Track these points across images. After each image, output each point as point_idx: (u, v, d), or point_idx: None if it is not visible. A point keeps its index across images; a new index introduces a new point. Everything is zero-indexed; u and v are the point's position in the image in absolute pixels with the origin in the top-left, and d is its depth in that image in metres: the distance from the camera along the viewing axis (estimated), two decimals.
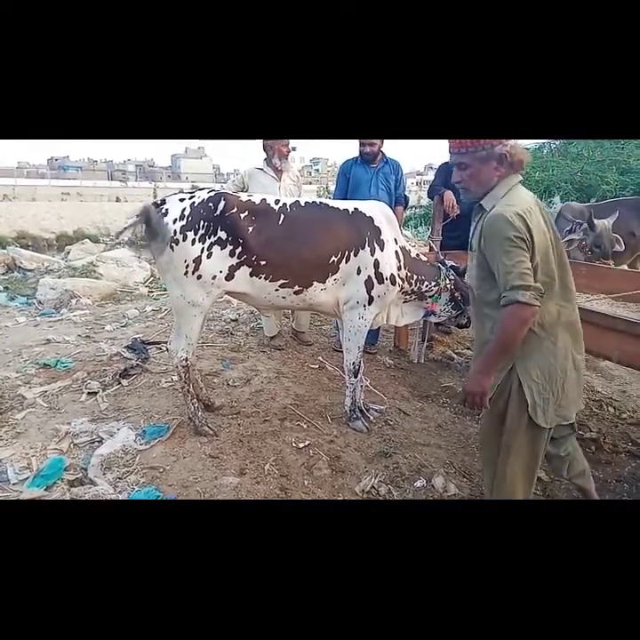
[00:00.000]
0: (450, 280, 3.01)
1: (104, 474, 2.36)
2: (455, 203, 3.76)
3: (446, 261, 3.17)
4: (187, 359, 2.67)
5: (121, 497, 2.20)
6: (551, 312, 1.68)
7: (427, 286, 2.97)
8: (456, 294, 3.03)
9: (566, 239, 4.64)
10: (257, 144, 3.90)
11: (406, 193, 4.24)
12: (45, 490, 2.24)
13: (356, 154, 3.95)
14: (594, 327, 2.67)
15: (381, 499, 2.32)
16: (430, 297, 3.03)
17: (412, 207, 12.08)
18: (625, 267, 4.26)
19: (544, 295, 1.59)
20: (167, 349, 2.83)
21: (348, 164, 4.01)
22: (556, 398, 1.71)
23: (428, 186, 4.58)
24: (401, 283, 2.87)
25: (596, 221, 4.31)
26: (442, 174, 4.26)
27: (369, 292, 2.73)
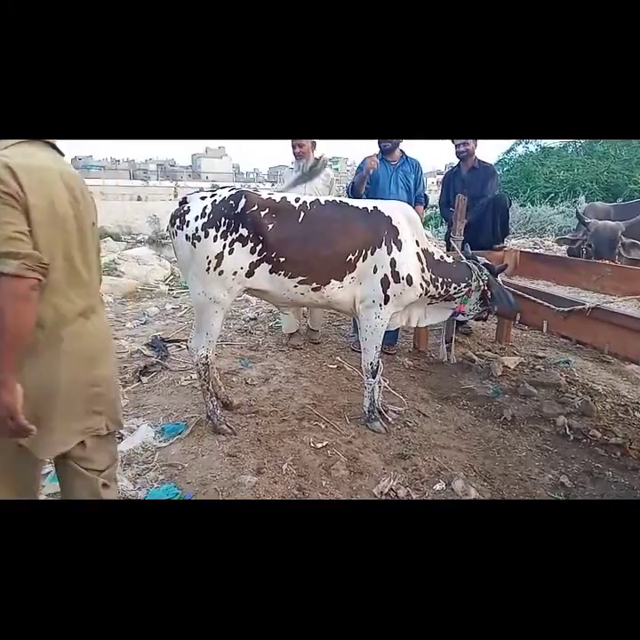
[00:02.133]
0: (483, 280, 2.96)
1: (124, 470, 2.37)
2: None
3: (479, 259, 3.12)
4: (207, 357, 2.68)
5: (140, 493, 2.21)
6: (58, 306, 1.32)
7: (455, 288, 2.93)
8: (487, 294, 2.98)
9: (559, 237, 4.58)
10: (278, 144, 3.94)
11: (426, 192, 4.24)
12: None
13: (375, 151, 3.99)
14: (620, 330, 2.61)
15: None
16: (459, 298, 2.99)
17: (432, 206, 12.00)
18: None
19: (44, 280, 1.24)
20: (187, 347, 2.85)
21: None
22: (51, 421, 1.32)
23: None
24: (426, 286, 2.82)
25: (591, 221, 4.22)
26: (444, 188, 4.48)
27: (385, 291, 2.70)
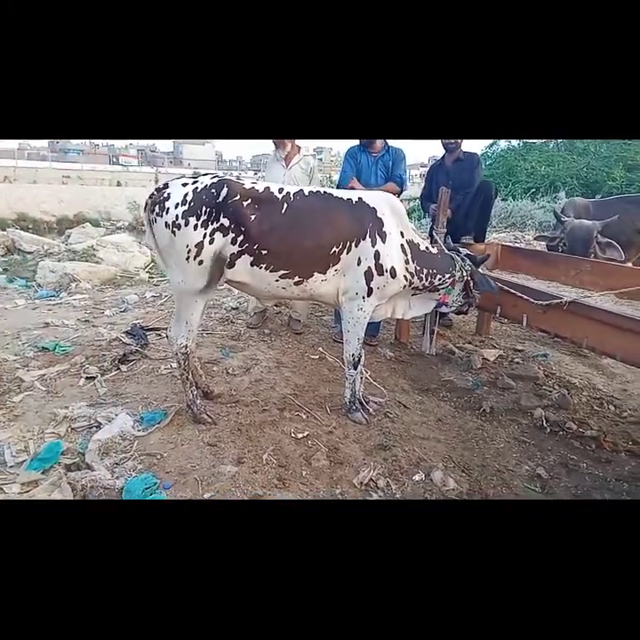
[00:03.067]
0: (466, 271, 3.00)
1: (101, 459, 2.34)
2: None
3: (461, 250, 3.15)
4: (186, 346, 2.65)
5: (118, 482, 2.18)
6: None
7: (439, 279, 2.95)
8: (470, 285, 3.01)
9: (538, 235, 4.66)
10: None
11: (406, 179, 4.22)
12: (42, 473, 2.23)
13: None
14: (598, 324, 2.66)
15: (381, 494, 2.31)
16: (443, 289, 3.01)
17: (415, 199, 12.01)
18: (630, 264, 4.22)
19: None
20: (167, 336, 2.81)
21: (354, 150, 4.07)
22: None
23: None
24: (410, 277, 2.83)
25: (567, 220, 4.29)
26: (428, 181, 4.48)
27: (368, 284, 2.69)
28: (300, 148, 4.07)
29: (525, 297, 3.00)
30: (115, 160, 36.05)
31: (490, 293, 3.10)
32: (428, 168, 4.89)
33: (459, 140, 4.16)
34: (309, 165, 4.08)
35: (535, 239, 5.54)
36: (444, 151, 4.33)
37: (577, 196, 8.61)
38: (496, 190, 4.34)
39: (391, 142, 4.06)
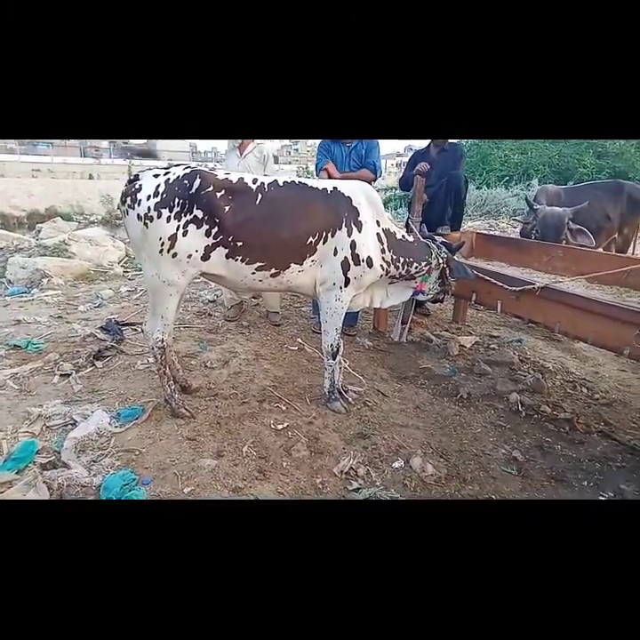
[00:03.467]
0: (442, 258, 3.03)
1: (78, 457, 2.31)
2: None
3: (437, 238, 3.18)
4: (163, 340, 2.62)
5: (96, 480, 2.15)
6: None
7: (416, 267, 2.97)
8: (446, 272, 3.04)
9: (513, 218, 4.74)
10: None
11: (379, 166, 4.21)
12: (17, 473, 2.18)
13: None
14: (569, 309, 2.72)
15: (361, 482, 2.33)
16: (419, 277, 3.03)
17: (391, 188, 12.03)
18: (600, 250, 4.32)
19: None
20: (142, 330, 2.77)
21: (327, 142, 4.04)
22: None
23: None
24: (386, 266, 2.84)
25: (539, 207, 4.37)
26: (410, 167, 4.38)
27: (345, 274, 2.69)
28: None
29: (499, 283, 3.04)
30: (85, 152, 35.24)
31: (466, 280, 3.13)
32: (405, 157, 4.86)
33: None
34: (263, 153, 4.07)
35: (510, 224, 5.63)
36: (429, 141, 4.34)
37: (549, 183, 8.74)
38: (466, 181, 4.35)
39: None
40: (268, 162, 4.12)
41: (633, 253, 5.02)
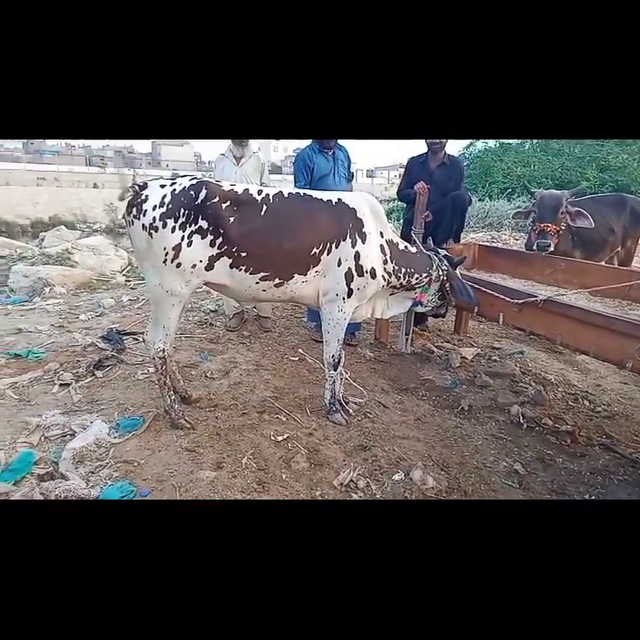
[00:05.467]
0: (442, 271, 3.02)
1: (76, 468, 2.29)
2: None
3: (440, 250, 3.18)
4: (164, 350, 2.61)
5: (94, 492, 2.14)
6: None
7: (417, 278, 2.98)
8: (446, 285, 3.04)
9: (516, 211, 4.68)
10: None
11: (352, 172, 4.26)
12: (14, 484, 2.17)
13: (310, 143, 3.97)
14: (572, 322, 2.70)
15: (361, 494, 2.31)
16: (419, 287, 3.03)
17: (394, 199, 12.07)
18: (603, 263, 4.31)
19: None
20: (144, 340, 2.77)
21: (307, 153, 3.90)
22: None
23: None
24: (388, 277, 2.85)
25: (537, 190, 4.33)
26: (408, 177, 4.29)
27: (348, 285, 2.70)
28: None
29: (502, 296, 3.03)
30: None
31: (469, 304, 3.13)
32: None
33: (442, 141, 4.04)
34: (260, 161, 4.13)
35: (512, 217, 5.59)
36: (426, 149, 4.17)
37: None
38: (470, 199, 4.31)
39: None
40: (264, 170, 4.18)
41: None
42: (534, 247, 3.88)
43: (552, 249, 3.82)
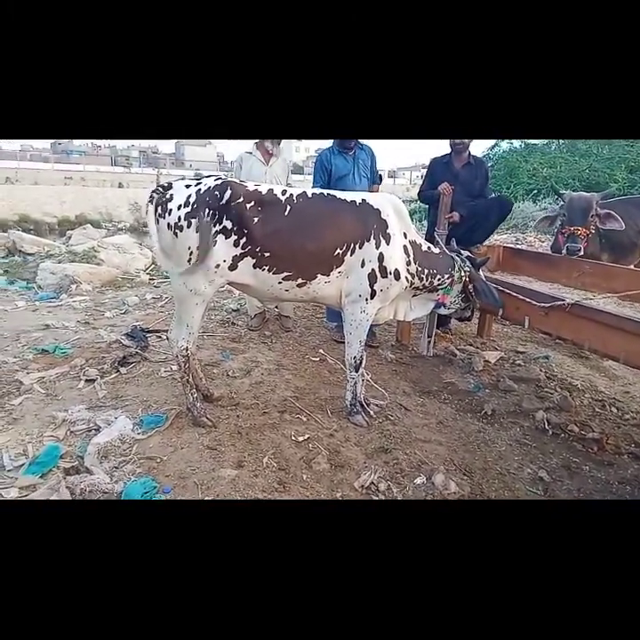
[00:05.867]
0: (465, 272, 2.99)
1: (100, 463, 2.33)
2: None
3: (463, 251, 3.14)
4: (187, 348, 2.63)
5: (117, 487, 2.17)
6: None
7: (439, 279, 2.95)
8: (469, 287, 3.00)
9: (542, 216, 4.56)
10: None
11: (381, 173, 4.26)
12: (41, 477, 2.21)
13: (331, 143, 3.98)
14: (601, 327, 2.64)
15: (382, 497, 2.29)
16: (442, 289, 3.00)
17: (414, 200, 11.98)
18: (632, 266, 4.20)
19: None
20: (167, 338, 2.79)
21: (326, 154, 3.91)
22: None
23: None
24: (411, 278, 2.83)
25: (565, 192, 4.24)
26: (430, 177, 4.20)
27: (372, 286, 2.68)
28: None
29: (527, 299, 2.98)
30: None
31: (493, 306, 3.08)
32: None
33: (466, 141, 3.96)
34: (286, 162, 4.21)
35: (537, 223, 5.45)
36: (450, 150, 4.08)
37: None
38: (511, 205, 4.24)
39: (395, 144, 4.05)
40: (289, 171, 4.26)
41: None
42: (563, 251, 3.81)
43: (582, 253, 3.74)
